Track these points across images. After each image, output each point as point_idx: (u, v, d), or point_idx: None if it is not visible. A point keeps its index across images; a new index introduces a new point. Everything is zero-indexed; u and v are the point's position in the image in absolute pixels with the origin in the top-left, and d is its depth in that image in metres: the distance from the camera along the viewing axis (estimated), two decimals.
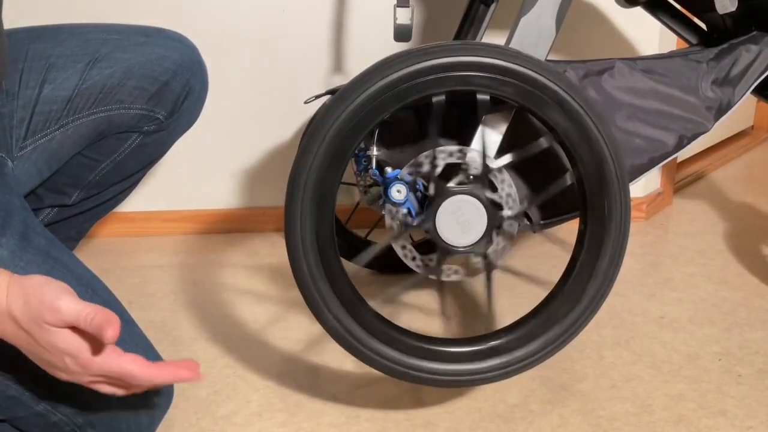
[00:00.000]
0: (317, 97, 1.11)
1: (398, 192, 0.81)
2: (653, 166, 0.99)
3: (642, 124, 0.97)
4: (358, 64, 1.55)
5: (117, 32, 0.92)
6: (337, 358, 1.05)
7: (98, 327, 0.57)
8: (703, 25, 1.16)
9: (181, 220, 1.59)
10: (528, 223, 0.98)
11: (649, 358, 1.04)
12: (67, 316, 0.58)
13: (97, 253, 1.49)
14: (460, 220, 0.80)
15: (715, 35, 1.13)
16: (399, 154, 0.94)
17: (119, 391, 0.65)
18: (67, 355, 0.60)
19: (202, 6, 1.48)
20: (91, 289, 0.76)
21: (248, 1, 1.49)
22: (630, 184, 0.90)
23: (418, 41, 1.54)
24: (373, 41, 1.52)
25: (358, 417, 0.91)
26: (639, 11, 1.20)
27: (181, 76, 0.94)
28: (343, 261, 0.84)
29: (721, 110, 1.00)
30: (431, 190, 0.81)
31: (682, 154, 2.01)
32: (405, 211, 0.83)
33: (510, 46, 0.89)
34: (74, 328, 0.60)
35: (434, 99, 0.77)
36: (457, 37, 1.17)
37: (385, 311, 1.19)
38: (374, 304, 0.84)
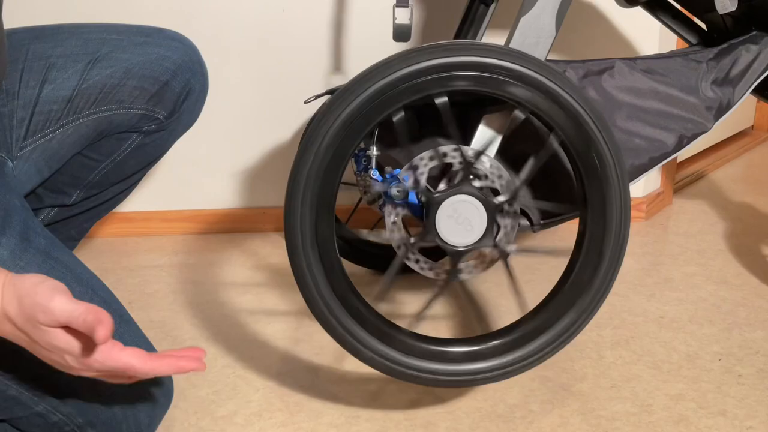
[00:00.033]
0: (317, 96, 1.11)
1: (398, 192, 0.81)
2: (653, 166, 0.99)
3: (642, 123, 0.97)
4: (357, 63, 1.55)
5: (117, 32, 0.92)
6: (337, 358, 1.05)
7: (90, 327, 0.57)
8: (703, 25, 1.16)
9: (181, 220, 1.59)
10: (528, 223, 0.98)
11: (649, 358, 1.04)
12: (59, 316, 0.58)
13: (97, 253, 1.49)
14: (460, 221, 0.80)
15: (715, 35, 1.13)
16: (398, 153, 0.94)
17: (125, 381, 0.65)
18: (67, 354, 0.60)
19: (202, 6, 1.48)
20: (91, 289, 0.76)
21: (248, 1, 1.49)
22: (630, 183, 0.90)
23: (418, 41, 1.54)
24: (372, 41, 1.52)
25: (358, 417, 0.91)
26: (639, 11, 1.20)
27: (181, 76, 0.94)
28: (343, 261, 0.84)
29: (721, 110, 1.00)
30: (424, 202, 0.80)
31: (682, 154, 2.01)
32: (405, 211, 0.83)
33: (510, 45, 0.89)
34: (70, 327, 0.60)
35: (436, 99, 0.77)
36: (457, 37, 1.17)
37: (385, 311, 1.19)
38: (373, 302, 0.84)
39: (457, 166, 0.81)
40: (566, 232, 1.55)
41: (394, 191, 0.80)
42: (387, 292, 1.26)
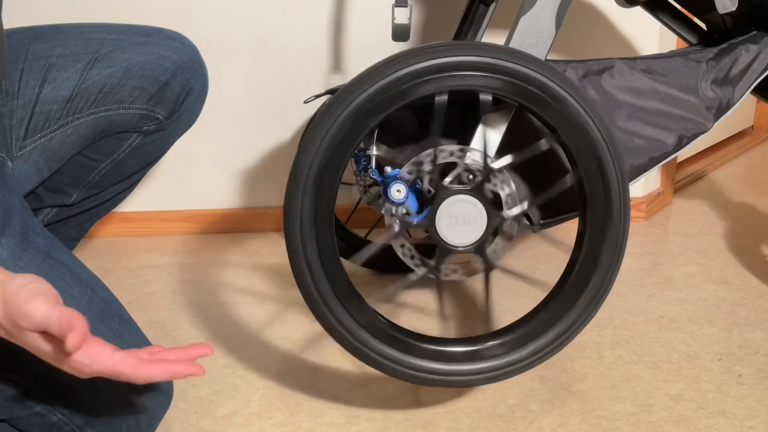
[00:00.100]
0: (317, 96, 1.11)
1: (398, 192, 0.81)
2: (653, 166, 0.99)
3: (642, 123, 0.97)
4: (357, 63, 1.55)
5: (117, 32, 0.92)
6: (337, 358, 1.05)
7: (63, 333, 0.56)
8: (703, 25, 1.16)
9: (181, 220, 1.59)
10: (528, 222, 0.98)
11: (649, 358, 1.04)
12: (36, 320, 0.57)
13: (97, 253, 1.49)
14: (459, 220, 0.80)
15: (714, 35, 1.13)
16: (399, 153, 0.94)
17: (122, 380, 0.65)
18: (47, 357, 0.59)
19: (202, 6, 1.48)
20: (90, 289, 0.76)
21: (248, 1, 1.49)
22: (630, 183, 0.90)
23: (417, 41, 1.54)
24: (372, 41, 1.52)
25: (358, 417, 0.91)
26: (639, 11, 1.20)
27: (181, 75, 0.94)
28: (343, 261, 0.84)
29: (721, 110, 1.00)
30: (431, 189, 0.81)
31: (682, 154, 2.01)
32: (404, 210, 0.83)
33: (510, 45, 0.89)
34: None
35: (436, 98, 0.77)
36: (457, 36, 1.17)
37: (385, 311, 1.19)
38: (373, 302, 0.84)
39: (472, 170, 0.81)
40: (566, 232, 1.55)
41: (394, 191, 0.81)
42: (393, 296, 1.26)
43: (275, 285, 1.31)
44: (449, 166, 0.82)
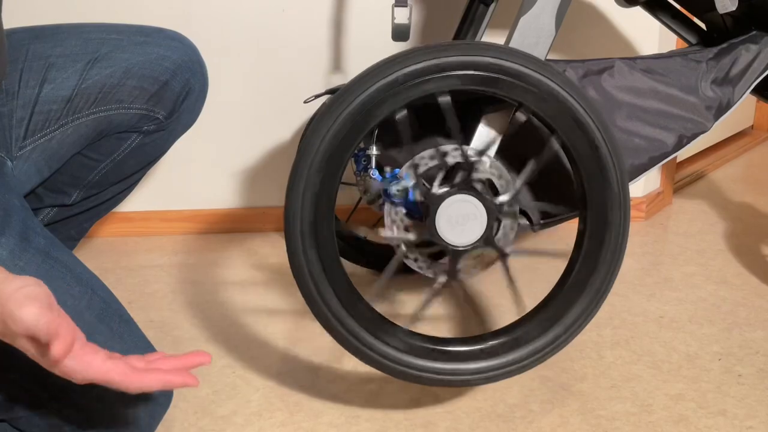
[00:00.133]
0: (317, 96, 1.11)
1: (398, 191, 0.81)
2: (653, 166, 0.99)
3: (641, 123, 0.97)
4: (357, 63, 1.55)
5: (116, 32, 0.92)
6: (337, 358, 1.05)
7: (49, 340, 0.55)
8: (702, 25, 1.16)
9: (181, 220, 1.59)
10: (528, 222, 0.98)
11: (649, 358, 1.04)
12: (25, 326, 0.56)
13: (97, 252, 1.49)
14: (459, 221, 0.80)
15: (714, 35, 1.13)
16: (398, 153, 0.94)
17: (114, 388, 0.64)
18: (38, 361, 0.59)
19: (202, 6, 1.48)
20: (90, 288, 0.76)
21: (248, 1, 1.49)
22: (630, 183, 0.90)
23: (417, 41, 1.54)
24: (372, 41, 1.52)
25: (358, 417, 0.91)
26: (639, 11, 1.20)
27: (181, 75, 0.94)
28: (343, 261, 0.84)
29: (721, 110, 1.00)
30: (424, 201, 0.80)
31: (682, 154, 2.01)
32: (404, 210, 0.83)
33: (510, 45, 0.89)
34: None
35: (439, 99, 0.77)
36: (457, 36, 1.17)
37: (385, 310, 1.19)
38: (370, 301, 0.84)
39: (456, 166, 0.81)
40: (566, 232, 1.55)
41: (394, 190, 0.81)
42: (384, 290, 1.26)
43: (275, 285, 1.31)
44: (453, 167, 0.82)
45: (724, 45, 1.02)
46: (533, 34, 0.88)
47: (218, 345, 1.09)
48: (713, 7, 1.00)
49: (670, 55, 1.02)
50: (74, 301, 0.74)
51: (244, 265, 1.41)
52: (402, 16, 0.94)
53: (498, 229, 0.82)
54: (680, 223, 1.63)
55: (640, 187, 1.66)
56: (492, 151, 0.85)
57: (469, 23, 1.15)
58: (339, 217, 1.25)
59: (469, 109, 0.90)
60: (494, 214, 0.81)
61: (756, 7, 1.03)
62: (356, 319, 0.81)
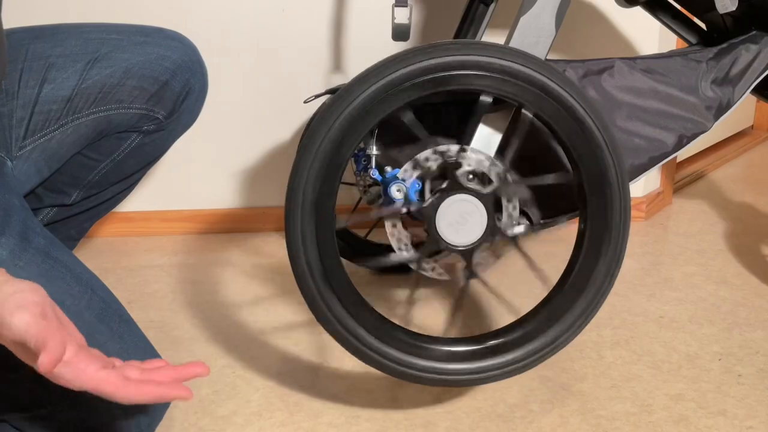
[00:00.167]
0: (317, 96, 1.11)
1: (398, 191, 0.81)
2: (653, 166, 0.99)
3: (642, 123, 0.97)
4: (357, 63, 1.55)
5: (116, 32, 0.92)
6: (337, 358, 1.05)
7: (37, 351, 0.54)
8: (702, 25, 1.16)
9: (181, 220, 1.59)
10: (528, 222, 0.98)
11: (649, 358, 1.04)
12: (15, 333, 0.56)
13: (97, 252, 1.49)
14: (460, 221, 0.80)
15: (714, 35, 1.13)
16: (398, 153, 0.94)
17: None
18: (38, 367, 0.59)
19: (202, 6, 1.48)
20: (90, 288, 0.76)
21: (248, 1, 1.49)
22: (630, 183, 0.90)
23: (417, 41, 1.54)
24: (372, 41, 1.52)
25: (358, 417, 0.91)
26: (639, 11, 1.20)
27: (181, 75, 0.94)
28: (343, 261, 0.84)
29: (721, 110, 1.00)
30: (422, 215, 0.80)
31: (682, 154, 2.01)
32: (404, 210, 0.83)
33: (510, 45, 0.89)
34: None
35: (439, 99, 0.77)
36: (457, 36, 1.17)
37: (385, 310, 1.19)
38: (371, 302, 0.84)
39: (446, 166, 0.81)
40: (566, 233, 1.55)
41: (394, 190, 0.80)
42: (412, 299, 1.26)
43: (275, 285, 1.31)
44: (448, 167, 0.82)
45: (724, 45, 1.02)
46: (533, 34, 0.88)
47: (218, 345, 1.09)
48: (713, 7, 1.00)
49: (670, 55, 1.02)
50: (74, 301, 0.74)
51: (245, 266, 1.41)
52: (402, 16, 0.94)
53: (501, 216, 0.82)
54: (680, 223, 1.63)
55: (640, 187, 1.66)
56: (492, 151, 0.85)
57: (469, 23, 1.15)
58: (339, 217, 1.25)
59: (470, 109, 0.90)
60: (492, 204, 0.81)
61: (756, 7, 1.03)
62: (356, 319, 0.81)
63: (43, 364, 0.54)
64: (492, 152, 0.85)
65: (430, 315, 1.18)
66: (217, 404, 0.94)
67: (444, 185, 0.80)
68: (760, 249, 1.46)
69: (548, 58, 0.93)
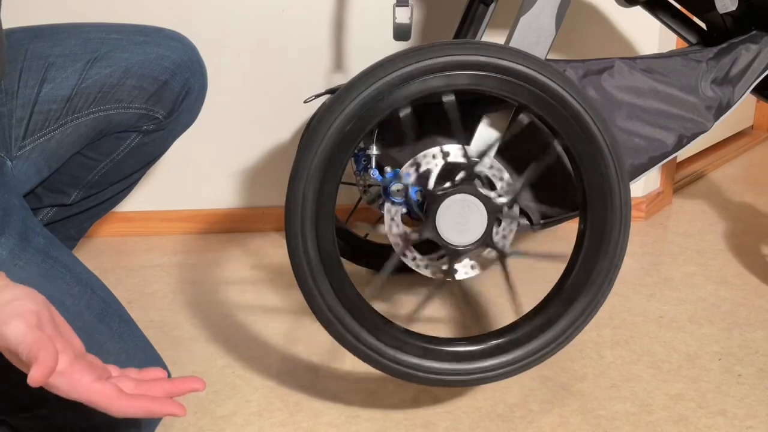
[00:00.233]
0: (317, 96, 1.11)
1: (398, 191, 0.81)
2: (653, 166, 0.99)
3: (642, 123, 0.97)
4: (357, 63, 1.55)
5: (116, 32, 0.92)
6: (337, 358, 1.05)
7: (29, 362, 0.54)
8: (702, 25, 1.16)
9: (181, 220, 1.59)
10: (528, 222, 0.98)
11: (649, 357, 1.04)
12: (8, 343, 0.55)
13: (97, 252, 1.49)
14: (460, 220, 0.80)
15: (714, 35, 1.13)
16: (398, 153, 0.94)
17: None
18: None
19: (202, 5, 1.48)
20: (90, 288, 0.76)
21: (248, 1, 1.49)
22: (630, 183, 0.90)
23: (418, 40, 1.54)
24: (372, 40, 1.52)
25: (358, 417, 0.91)
26: (639, 11, 1.20)
27: (180, 75, 0.94)
28: (343, 261, 0.84)
29: (721, 109, 1.00)
30: (424, 199, 0.80)
31: (682, 154, 2.01)
32: (404, 210, 0.83)
33: (510, 45, 0.89)
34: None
35: (444, 98, 0.77)
36: (457, 36, 1.17)
37: (384, 310, 1.19)
38: (370, 301, 0.84)
39: (456, 165, 0.81)
40: (566, 233, 1.55)
41: (394, 189, 0.80)
42: (380, 289, 1.26)
43: (275, 285, 1.31)
44: (449, 167, 0.82)
45: (724, 45, 1.02)
46: (533, 34, 0.88)
47: (218, 345, 1.09)
48: (713, 7, 1.00)
49: (670, 54, 1.02)
50: (74, 301, 0.74)
51: (244, 265, 1.40)
52: (403, 15, 0.94)
53: (497, 230, 0.82)
54: (680, 223, 1.63)
55: (640, 187, 1.66)
56: (492, 151, 0.85)
57: (469, 23, 1.15)
58: (339, 216, 1.25)
59: (470, 108, 0.90)
60: (495, 215, 0.81)
61: (756, 7, 1.03)
62: (356, 319, 0.81)
63: (33, 378, 0.53)
64: (492, 153, 0.85)
65: (430, 315, 1.18)
66: (217, 404, 0.94)
67: (446, 184, 0.80)
68: (760, 249, 1.46)
69: (548, 58, 0.93)
